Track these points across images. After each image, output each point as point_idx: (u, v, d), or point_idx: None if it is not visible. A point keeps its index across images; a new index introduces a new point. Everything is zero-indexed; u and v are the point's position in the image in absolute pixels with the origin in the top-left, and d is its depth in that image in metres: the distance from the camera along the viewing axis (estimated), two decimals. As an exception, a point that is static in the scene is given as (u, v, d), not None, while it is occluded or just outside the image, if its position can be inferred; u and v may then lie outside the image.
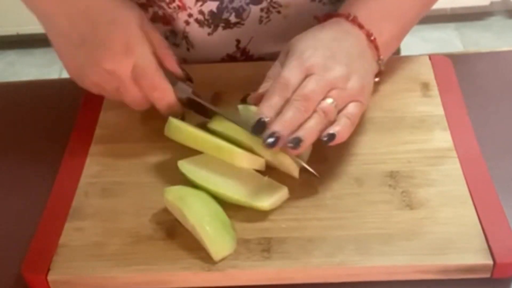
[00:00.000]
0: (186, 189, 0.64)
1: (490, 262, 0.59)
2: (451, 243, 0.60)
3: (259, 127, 0.63)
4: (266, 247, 0.61)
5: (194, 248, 0.61)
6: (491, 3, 2.34)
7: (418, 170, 0.67)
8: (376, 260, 0.59)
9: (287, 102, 0.64)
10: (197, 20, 0.81)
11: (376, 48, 0.71)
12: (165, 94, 0.70)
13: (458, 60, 0.79)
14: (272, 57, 0.84)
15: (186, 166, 0.66)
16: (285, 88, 0.65)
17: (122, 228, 0.63)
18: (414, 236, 0.61)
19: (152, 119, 0.74)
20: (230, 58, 0.85)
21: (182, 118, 0.72)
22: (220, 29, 0.82)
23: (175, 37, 0.84)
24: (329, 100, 0.65)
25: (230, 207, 0.64)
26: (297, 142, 0.63)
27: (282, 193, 0.64)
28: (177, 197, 0.63)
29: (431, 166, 0.67)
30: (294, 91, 0.65)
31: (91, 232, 0.63)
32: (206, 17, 0.80)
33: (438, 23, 2.35)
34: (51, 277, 0.60)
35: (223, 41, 0.83)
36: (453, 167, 0.67)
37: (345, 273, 0.59)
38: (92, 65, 0.68)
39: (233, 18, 0.80)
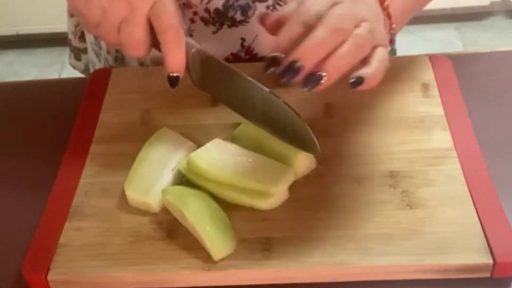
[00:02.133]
0: (186, 189, 0.64)
1: (490, 261, 0.59)
2: (451, 243, 0.60)
3: (273, 63, 0.56)
4: (266, 247, 0.61)
5: (194, 248, 0.61)
6: (491, 3, 2.34)
7: (418, 170, 0.66)
8: (376, 260, 0.59)
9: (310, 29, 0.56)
10: (202, 18, 0.81)
11: (389, 17, 0.65)
12: (179, 35, 0.64)
13: (458, 60, 0.79)
14: None
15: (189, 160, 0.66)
16: (308, 14, 0.57)
17: (122, 228, 0.63)
18: (414, 236, 0.61)
19: (153, 119, 0.74)
20: (235, 57, 0.85)
21: (176, 80, 0.65)
22: (225, 27, 0.81)
23: None
24: (363, 27, 0.57)
25: (230, 207, 0.63)
26: (318, 79, 0.55)
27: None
28: (177, 197, 0.63)
29: (431, 166, 0.67)
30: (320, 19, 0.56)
31: (91, 232, 0.63)
32: (212, 15, 0.80)
33: (438, 23, 2.35)
34: (51, 277, 0.60)
35: (227, 40, 0.83)
36: (453, 167, 0.67)
37: (345, 273, 0.59)
38: None
39: (238, 16, 0.80)
